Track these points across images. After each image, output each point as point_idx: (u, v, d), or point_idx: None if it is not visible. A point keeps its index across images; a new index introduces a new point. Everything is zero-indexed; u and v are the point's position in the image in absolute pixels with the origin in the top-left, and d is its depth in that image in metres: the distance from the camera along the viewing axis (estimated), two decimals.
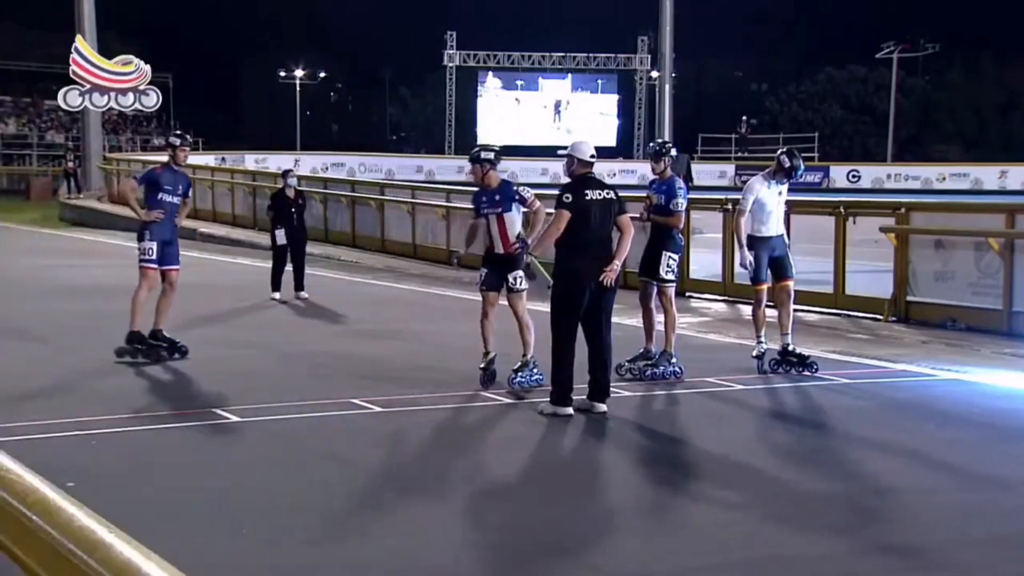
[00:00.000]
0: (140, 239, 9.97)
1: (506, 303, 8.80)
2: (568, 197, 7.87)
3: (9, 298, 14.33)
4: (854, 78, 72.06)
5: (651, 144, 9.96)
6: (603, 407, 7.89)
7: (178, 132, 10.33)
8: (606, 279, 7.82)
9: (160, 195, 9.91)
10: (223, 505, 5.71)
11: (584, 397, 7.89)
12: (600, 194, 7.94)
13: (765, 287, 9.60)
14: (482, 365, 8.69)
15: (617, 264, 7.89)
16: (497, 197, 8.73)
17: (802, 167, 9.74)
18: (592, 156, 8.12)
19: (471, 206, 9.27)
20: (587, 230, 7.82)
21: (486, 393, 8.46)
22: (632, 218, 8.26)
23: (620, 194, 8.17)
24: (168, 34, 69.56)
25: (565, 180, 8.38)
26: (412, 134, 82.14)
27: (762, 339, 9.49)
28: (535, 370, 8.61)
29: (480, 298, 8.89)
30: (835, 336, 11.58)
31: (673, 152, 9.67)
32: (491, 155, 8.84)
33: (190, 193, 10.36)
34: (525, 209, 8.81)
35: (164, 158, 10.48)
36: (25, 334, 11.34)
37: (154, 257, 9.89)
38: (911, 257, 12.50)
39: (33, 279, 16.67)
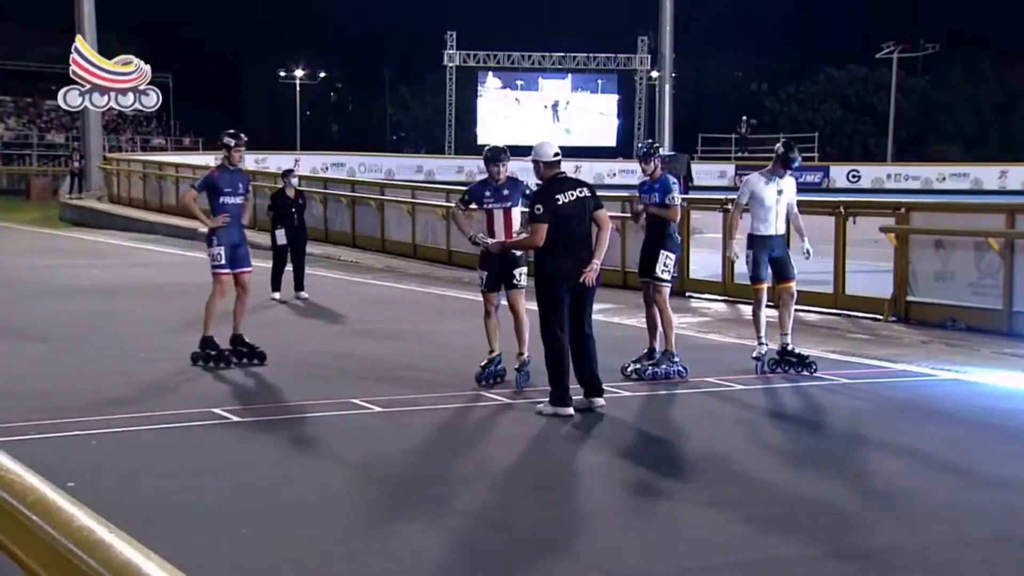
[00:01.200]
0: (209, 245, 9.71)
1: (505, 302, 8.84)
2: (539, 208, 7.84)
3: (9, 298, 14.33)
4: (854, 78, 72.07)
5: (640, 145, 9.83)
6: (601, 401, 7.89)
7: (232, 132, 9.84)
8: (586, 279, 7.78)
9: (221, 198, 9.63)
10: (223, 505, 5.71)
11: (581, 396, 7.89)
12: (573, 194, 7.90)
13: (764, 287, 9.58)
14: (483, 363, 8.72)
15: (596, 263, 7.83)
16: (506, 191, 8.79)
17: (798, 159, 9.70)
18: (556, 155, 8.10)
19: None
20: (565, 232, 7.79)
21: (486, 393, 8.46)
22: (614, 216, 8.25)
23: (595, 190, 8.15)
24: (168, 34, 69.56)
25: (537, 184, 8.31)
26: (412, 134, 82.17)
27: (763, 340, 9.47)
28: (528, 368, 8.70)
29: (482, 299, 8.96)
30: (835, 336, 11.57)
31: (662, 152, 9.64)
32: (507, 153, 8.98)
33: (250, 189, 10.07)
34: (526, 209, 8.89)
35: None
36: (25, 334, 11.34)
37: (224, 262, 9.60)
38: (911, 257, 12.49)
39: (33, 279, 16.67)
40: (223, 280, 9.63)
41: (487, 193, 8.88)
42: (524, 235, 8.50)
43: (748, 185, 9.61)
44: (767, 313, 9.65)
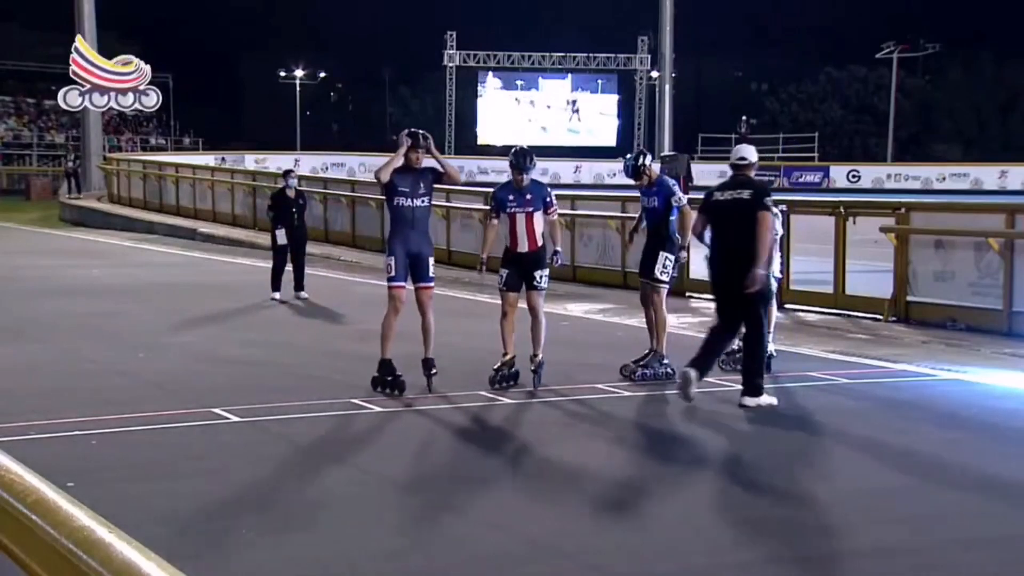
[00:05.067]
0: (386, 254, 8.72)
1: (524, 304, 8.81)
2: (703, 196, 8.55)
3: (9, 298, 14.33)
4: (854, 78, 72.11)
5: (626, 165, 9.49)
6: (747, 401, 8.00)
7: (411, 131, 8.52)
8: (749, 287, 7.96)
9: (396, 199, 8.48)
10: (223, 505, 5.71)
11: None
12: (731, 194, 8.22)
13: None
14: (496, 366, 8.69)
15: (755, 270, 7.94)
16: (528, 196, 8.75)
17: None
18: (740, 159, 8.38)
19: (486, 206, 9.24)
20: (718, 231, 8.24)
21: (486, 394, 8.46)
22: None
23: (763, 193, 8.28)
24: (168, 34, 69.64)
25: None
26: None
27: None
28: (542, 368, 8.69)
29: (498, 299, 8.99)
30: (835, 336, 11.57)
31: (647, 160, 9.53)
32: (531, 157, 8.88)
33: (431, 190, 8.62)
34: (547, 214, 8.86)
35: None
36: (25, 334, 11.34)
37: (394, 274, 8.60)
38: (911, 257, 12.49)
39: (33, 279, 16.67)
40: (393, 295, 8.61)
41: (510, 197, 8.81)
42: (552, 248, 8.81)
43: None
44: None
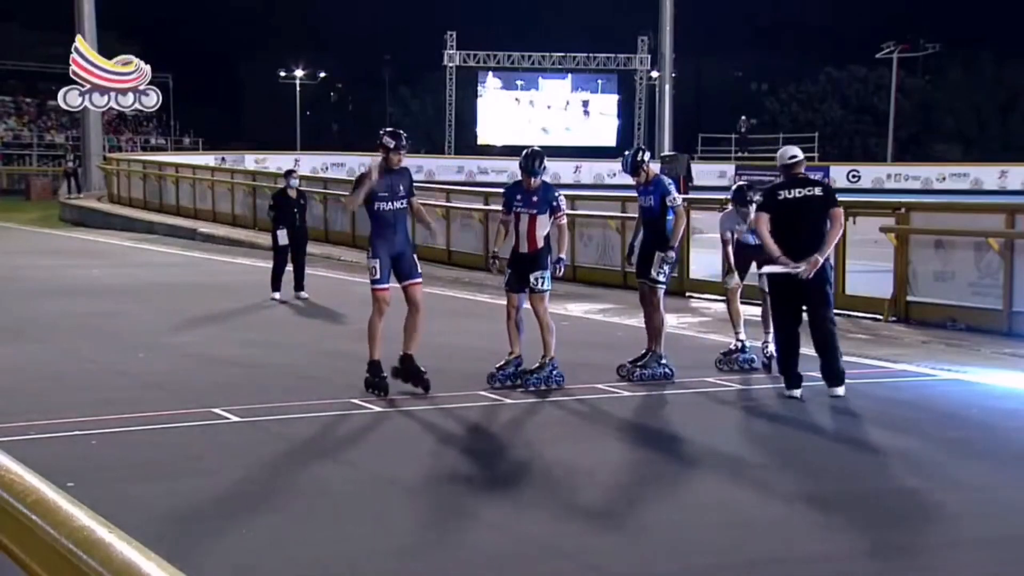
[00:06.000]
0: (368, 256, 8.69)
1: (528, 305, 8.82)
2: (760, 198, 8.72)
3: (9, 298, 14.33)
4: (854, 78, 72.03)
5: (624, 159, 9.47)
6: (838, 391, 8.29)
7: (389, 130, 8.63)
8: (804, 272, 8.14)
9: (377, 204, 8.49)
10: (223, 505, 5.71)
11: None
12: (800, 192, 8.38)
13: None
14: (499, 364, 8.70)
15: (815, 257, 8.17)
16: (535, 198, 8.77)
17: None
18: (791, 157, 8.58)
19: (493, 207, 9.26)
20: (783, 228, 8.32)
21: (485, 393, 8.46)
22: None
23: (832, 190, 8.64)
24: (168, 34, 69.60)
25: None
26: (412, 134, 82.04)
27: (741, 334, 9.62)
28: (555, 372, 8.69)
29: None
30: None
31: (646, 156, 9.53)
32: (541, 160, 8.88)
33: (414, 191, 8.74)
34: (552, 217, 8.85)
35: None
36: (25, 334, 11.34)
37: (379, 276, 8.50)
38: (911, 257, 12.49)
39: (33, 279, 16.67)
40: (378, 297, 8.54)
41: (518, 196, 8.86)
42: (556, 254, 8.77)
43: None
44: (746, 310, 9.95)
